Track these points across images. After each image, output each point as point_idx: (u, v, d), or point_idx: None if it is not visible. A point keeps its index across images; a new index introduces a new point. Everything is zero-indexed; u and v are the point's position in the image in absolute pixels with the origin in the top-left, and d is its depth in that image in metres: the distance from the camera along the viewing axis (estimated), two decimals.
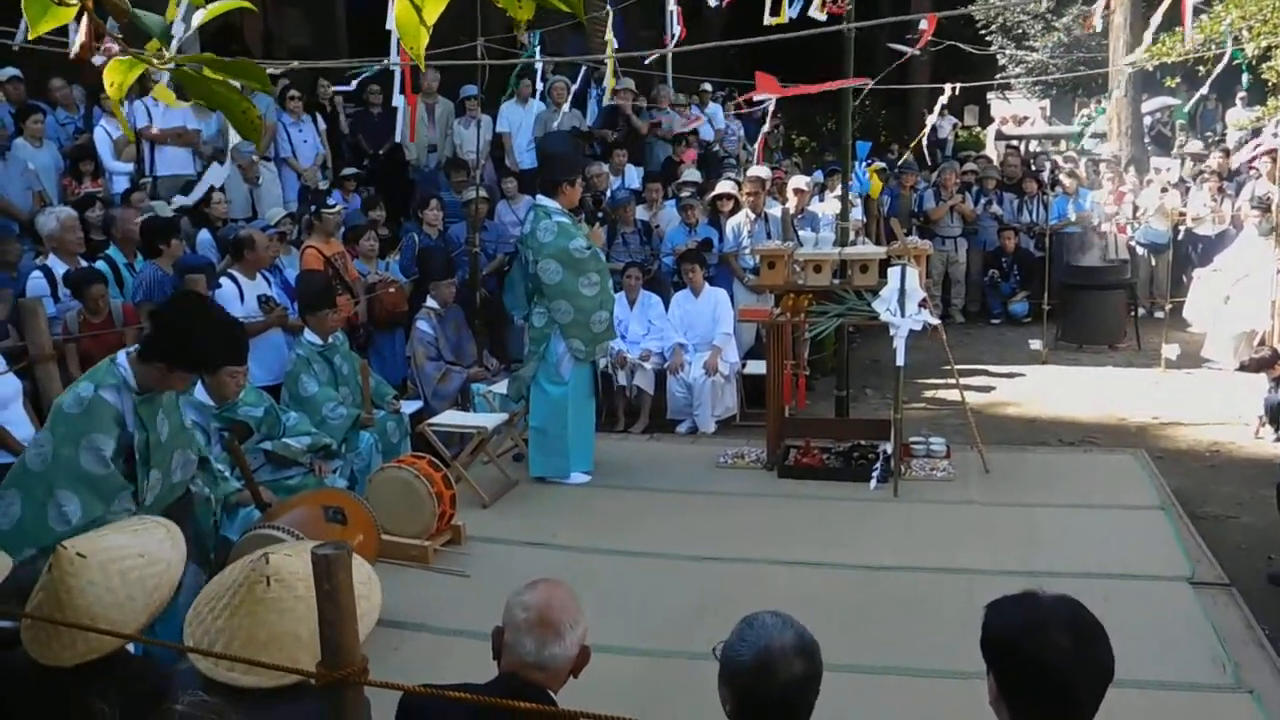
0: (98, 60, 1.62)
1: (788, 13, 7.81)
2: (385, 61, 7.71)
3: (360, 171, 8.90)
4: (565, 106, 10.12)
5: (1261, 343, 8.26)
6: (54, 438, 3.48)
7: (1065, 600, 1.89)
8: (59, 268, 6.08)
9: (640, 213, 8.95)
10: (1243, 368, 7.65)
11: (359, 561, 1.89)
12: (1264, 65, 10.56)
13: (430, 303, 6.93)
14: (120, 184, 8.08)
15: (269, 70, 6.61)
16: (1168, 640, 4.09)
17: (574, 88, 10.40)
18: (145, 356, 3.54)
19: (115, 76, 1.44)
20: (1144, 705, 3.56)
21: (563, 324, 6.04)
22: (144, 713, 1.97)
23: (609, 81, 8.96)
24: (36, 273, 6.04)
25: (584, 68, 10.91)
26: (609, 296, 6.23)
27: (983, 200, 11.46)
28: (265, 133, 8.36)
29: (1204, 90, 10.24)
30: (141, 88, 8.06)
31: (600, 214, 8.61)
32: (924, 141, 8.59)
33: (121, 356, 3.60)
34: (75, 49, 1.96)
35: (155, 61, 1.43)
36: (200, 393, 4.84)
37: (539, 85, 10.48)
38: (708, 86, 12.41)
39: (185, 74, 1.38)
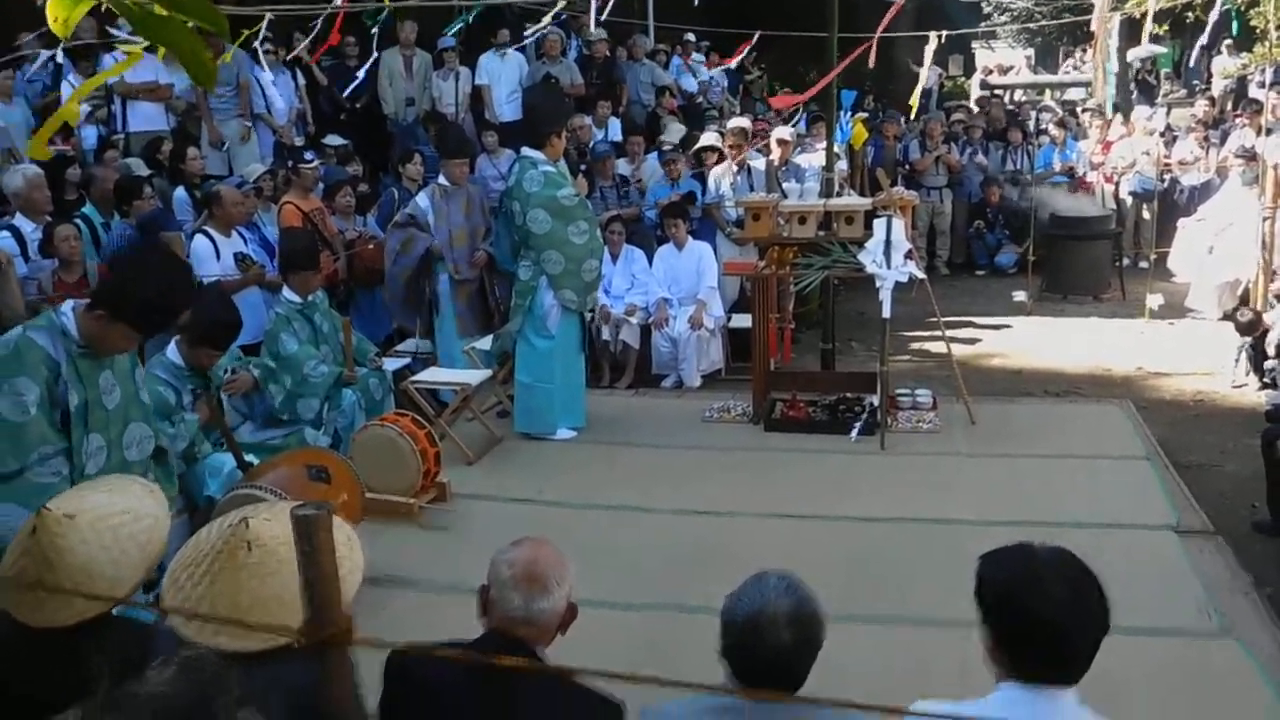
0: None
1: None
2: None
3: (346, 144, 8.74)
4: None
5: (1244, 297, 8.27)
6: None
7: (1060, 552, 1.87)
8: (27, 227, 5.95)
9: (622, 166, 8.86)
10: (1226, 318, 7.67)
11: (338, 522, 1.85)
12: (1253, 11, 10.46)
13: (440, 180, 6.78)
14: (91, 139, 7.91)
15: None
16: (1154, 588, 4.11)
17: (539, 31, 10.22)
18: (92, 304, 3.31)
19: (60, 11, 1.34)
20: (1131, 653, 3.55)
21: (553, 274, 5.99)
22: (138, 667, 1.94)
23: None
24: (4, 232, 5.87)
25: (563, 17, 10.72)
26: (598, 244, 6.21)
27: (968, 151, 11.39)
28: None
29: (1203, 40, 10.12)
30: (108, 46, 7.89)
31: (582, 166, 8.51)
32: (916, 97, 8.54)
33: (67, 304, 3.37)
34: None
35: None
36: (172, 352, 4.78)
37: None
38: (690, 37, 12.23)
39: (134, 9, 1.30)
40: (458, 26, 9.99)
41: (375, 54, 9.18)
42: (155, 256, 3.74)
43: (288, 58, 8.87)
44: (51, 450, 3.22)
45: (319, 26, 7.77)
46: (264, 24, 6.66)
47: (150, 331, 3.41)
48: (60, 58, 7.70)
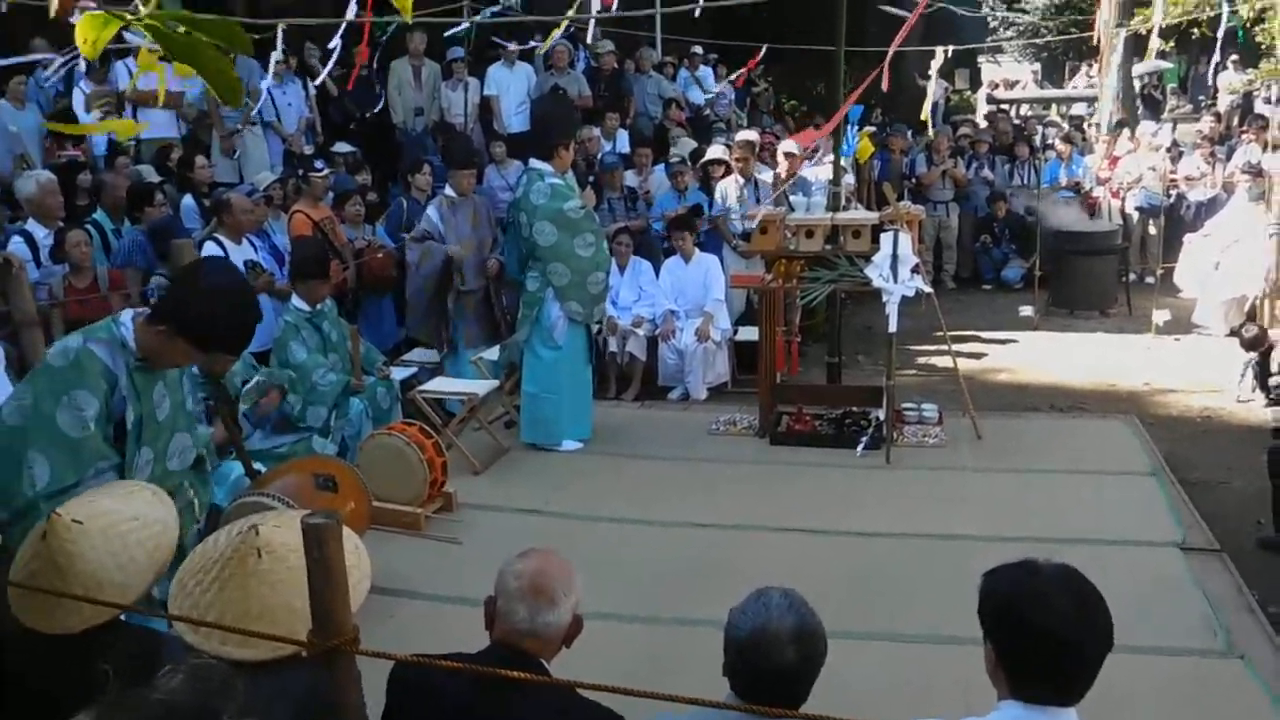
0: (75, 20, 1.55)
1: None
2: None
3: (355, 152, 8.78)
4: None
5: (1251, 314, 8.27)
6: (34, 390, 3.12)
7: (1065, 569, 1.87)
8: (39, 232, 5.99)
9: (630, 178, 8.89)
10: (1232, 334, 7.66)
11: (346, 532, 1.86)
12: (1258, 28, 10.47)
13: (447, 191, 6.80)
14: (101, 145, 7.95)
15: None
16: (1159, 606, 4.11)
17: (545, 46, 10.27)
18: (153, 317, 3.18)
19: (89, 33, 1.36)
20: (1135, 671, 3.56)
21: (560, 286, 6.01)
22: (143, 674, 1.95)
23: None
24: (17, 237, 5.92)
25: (571, 29, 10.75)
26: (605, 257, 6.24)
27: (974, 165, 11.40)
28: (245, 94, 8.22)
29: (1216, 58, 10.12)
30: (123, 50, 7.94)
31: (590, 177, 8.54)
32: (927, 111, 8.58)
33: (126, 315, 3.23)
34: (54, 7, 1.88)
35: (130, 17, 1.36)
36: None
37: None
38: (698, 49, 12.26)
39: (161, 31, 1.32)
40: (456, 32, 10.01)
41: (375, 64, 9.24)
42: (220, 272, 3.59)
43: (316, 82, 8.90)
44: (106, 465, 3.15)
45: (338, 49, 7.78)
46: (279, 33, 6.67)
47: (212, 349, 3.36)
48: (82, 64, 7.76)
